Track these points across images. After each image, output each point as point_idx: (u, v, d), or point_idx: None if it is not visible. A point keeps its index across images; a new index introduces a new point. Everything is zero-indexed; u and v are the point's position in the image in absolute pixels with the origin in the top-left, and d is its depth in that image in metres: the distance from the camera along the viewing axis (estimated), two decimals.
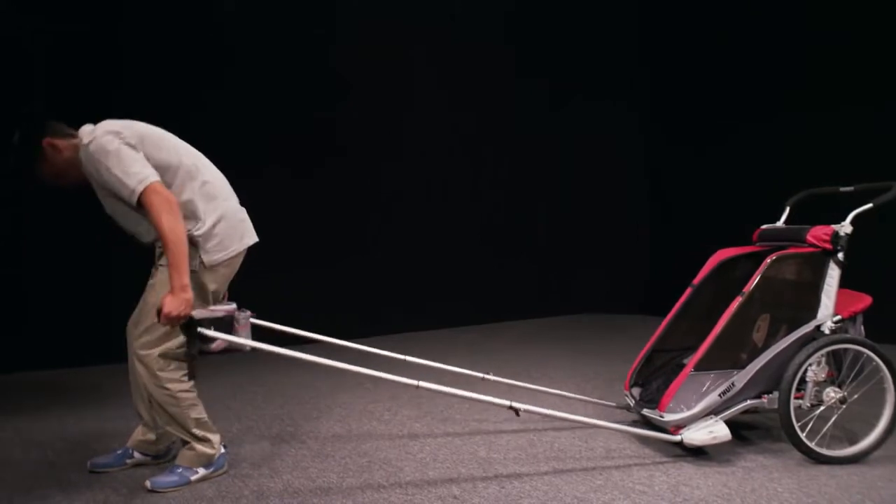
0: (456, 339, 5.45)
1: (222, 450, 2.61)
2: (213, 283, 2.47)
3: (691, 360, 2.78)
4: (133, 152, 2.31)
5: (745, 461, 2.73)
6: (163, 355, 2.41)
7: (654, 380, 3.00)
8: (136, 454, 2.66)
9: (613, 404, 3.36)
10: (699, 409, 2.71)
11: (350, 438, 3.04)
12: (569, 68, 6.37)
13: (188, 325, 2.22)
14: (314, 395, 3.74)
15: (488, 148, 6.11)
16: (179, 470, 2.47)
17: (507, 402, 2.47)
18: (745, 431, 3.09)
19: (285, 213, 4.91)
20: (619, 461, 2.76)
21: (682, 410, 2.73)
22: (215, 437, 2.56)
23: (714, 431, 2.68)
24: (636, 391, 3.10)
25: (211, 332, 2.19)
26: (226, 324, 2.27)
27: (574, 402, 3.47)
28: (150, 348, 2.41)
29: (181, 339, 2.36)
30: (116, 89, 4.42)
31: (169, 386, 2.43)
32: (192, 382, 2.48)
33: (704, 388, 2.73)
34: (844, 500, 2.37)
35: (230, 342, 2.23)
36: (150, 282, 2.50)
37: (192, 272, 2.35)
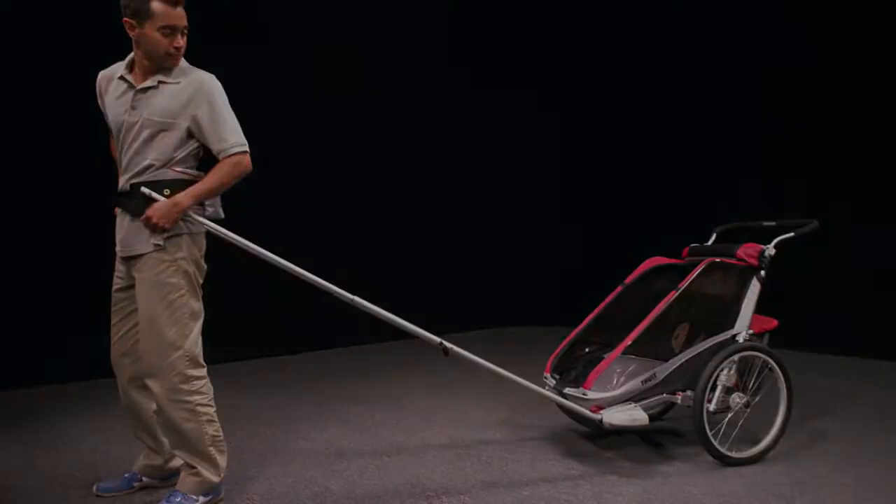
0: (383, 354, 5.41)
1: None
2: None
3: (622, 343, 2.87)
4: None
5: (663, 467, 2.85)
6: (180, 364, 2.31)
7: (572, 369, 3.06)
8: (144, 478, 2.57)
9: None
10: (622, 391, 2.80)
11: (275, 457, 2.97)
12: (491, 67, 6.26)
13: None
14: (237, 413, 3.63)
15: (394, 153, 5.83)
16: (178, 499, 2.35)
17: (438, 339, 2.52)
18: (660, 438, 3.22)
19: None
20: (544, 472, 2.81)
21: (606, 390, 2.80)
22: (223, 461, 2.43)
23: (634, 415, 2.78)
24: (555, 376, 3.13)
25: None
26: None
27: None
28: (165, 359, 2.30)
29: (193, 336, 2.34)
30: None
31: (188, 399, 2.32)
32: (210, 396, 2.39)
33: (629, 371, 2.84)
34: (752, 498, 2.52)
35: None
36: (134, 299, 2.39)
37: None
